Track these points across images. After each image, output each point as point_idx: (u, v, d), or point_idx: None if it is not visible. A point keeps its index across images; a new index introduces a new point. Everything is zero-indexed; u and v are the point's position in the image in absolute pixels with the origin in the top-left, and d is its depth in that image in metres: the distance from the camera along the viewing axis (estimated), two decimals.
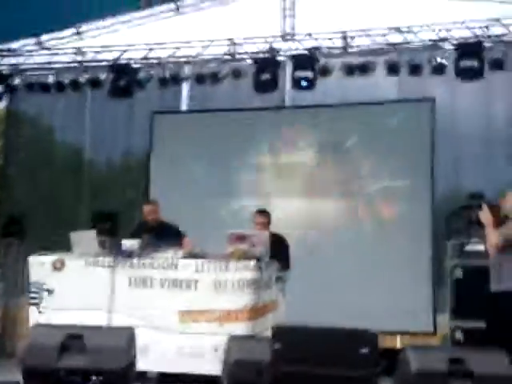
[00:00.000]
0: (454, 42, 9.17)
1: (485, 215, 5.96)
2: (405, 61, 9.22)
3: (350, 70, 9.37)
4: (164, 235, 6.89)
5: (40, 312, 6.41)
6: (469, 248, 7.70)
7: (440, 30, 9.30)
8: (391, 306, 8.46)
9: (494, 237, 5.83)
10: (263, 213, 7.25)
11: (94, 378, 4.91)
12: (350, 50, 9.72)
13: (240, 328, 5.87)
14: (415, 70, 9.16)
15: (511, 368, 4.77)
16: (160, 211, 7.59)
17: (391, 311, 8.37)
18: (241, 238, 6.37)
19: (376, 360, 4.64)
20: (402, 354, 4.91)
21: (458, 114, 9.41)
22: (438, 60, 9.09)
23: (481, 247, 7.58)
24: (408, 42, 9.47)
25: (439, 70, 9.09)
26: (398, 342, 8.56)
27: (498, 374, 4.64)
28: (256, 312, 5.98)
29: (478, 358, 4.79)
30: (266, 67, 9.51)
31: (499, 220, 5.96)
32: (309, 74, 9.36)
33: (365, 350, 4.54)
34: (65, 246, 6.65)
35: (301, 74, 9.41)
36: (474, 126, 9.34)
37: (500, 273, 5.88)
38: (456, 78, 8.95)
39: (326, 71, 9.43)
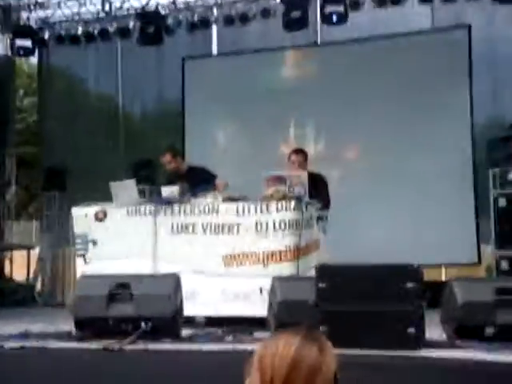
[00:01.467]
0: None
1: None
2: None
3: (382, 1, 9.13)
4: (196, 179, 6.87)
5: (86, 262, 6.52)
6: (511, 177, 7.59)
7: None
8: (435, 238, 8.40)
9: None
10: (299, 152, 7.18)
11: (143, 324, 5.01)
12: None
13: (284, 269, 5.90)
14: None
15: None
16: (181, 158, 7.58)
17: (435, 243, 8.32)
18: (279, 179, 6.36)
19: (421, 293, 4.64)
20: (448, 287, 4.91)
21: (495, 40, 9.15)
22: None
23: None
24: None
25: None
26: (444, 274, 8.55)
27: None
28: (299, 252, 5.99)
29: None
30: (296, 4, 9.32)
31: None
32: (339, 8, 9.15)
33: (410, 284, 4.54)
34: (106, 196, 6.71)
35: (331, 8, 9.20)
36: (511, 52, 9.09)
37: None
38: (492, 2, 8.67)
39: (356, 4, 9.21)
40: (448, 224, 8.49)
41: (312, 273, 5.08)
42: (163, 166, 7.48)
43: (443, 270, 8.61)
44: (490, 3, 8.68)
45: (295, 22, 9.25)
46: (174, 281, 5.31)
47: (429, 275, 7.78)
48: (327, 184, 7.07)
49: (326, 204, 6.79)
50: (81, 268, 6.50)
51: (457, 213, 8.59)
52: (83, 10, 10.34)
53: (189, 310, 5.60)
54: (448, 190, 8.62)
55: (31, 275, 10.25)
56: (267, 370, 1.70)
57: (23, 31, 10.39)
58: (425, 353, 4.41)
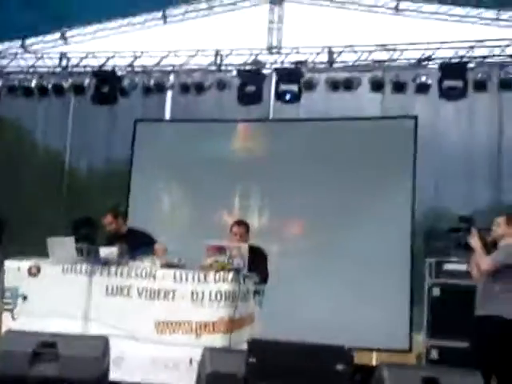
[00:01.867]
0: (439, 62, 9.24)
1: (475, 239, 6.03)
2: (389, 78, 9.28)
3: (335, 85, 9.41)
4: (136, 242, 6.81)
5: (14, 318, 6.33)
6: (447, 267, 7.72)
7: (425, 50, 9.38)
8: (368, 322, 8.44)
9: (484, 262, 5.89)
10: (241, 223, 7.21)
11: None
12: (335, 66, 9.77)
13: (216, 340, 5.83)
14: (399, 87, 9.22)
15: None
16: (123, 219, 7.53)
17: (368, 328, 8.36)
18: (219, 250, 6.34)
19: (351, 376, 4.62)
20: (377, 372, 4.91)
21: (440, 132, 9.47)
22: (423, 79, 9.16)
23: (459, 267, 7.62)
24: (393, 60, 9.55)
25: (423, 88, 9.17)
26: (374, 359, 8.56)
27: None
28: (233, 325, 5.94)
29: (451, 377, 4.80)
30: (251, 79, 9.53)
31: (487, 245, 6.03)
32: (293, 87, 9.39)
33: (340, 367, 4.53)
34: (43, 252, 6.59)
35: (285, 87, 9.44)
36: (455, 145, 9.41)
37: (486, 298, 5.94)
38: (440, 97, 9.01)
39: (310, 85, 9.46)
40: (382, 310, 8.57)
41: (244, 346, 5.03)
42: (104, 227, 7.41)
43: (374, 354, 8.63)
44: (437, 97, 9.02)
45: (249, 97, 9.44)
46: (103, 343, 5.19)
47: (361, 359, 7.82)
48: (267, 258, 7.08)
49: (264, 278, 6.79)
50: (8, 324, 6.30)
51: (392, 299, 8.68)
52: (39, 63, 10.36)
53: (116, 375, 5.46)
54: (386, 276, 8.73)
55: None
56: None
57: None
58: None
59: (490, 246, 6.10)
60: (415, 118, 9.19)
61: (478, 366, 5.74)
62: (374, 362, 8.33)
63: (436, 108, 9.40)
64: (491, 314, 5.85)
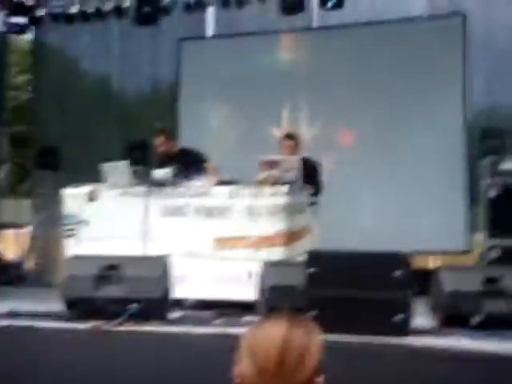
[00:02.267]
0: None
1: None
2: None
3: None
4: (188, 162, 6.85)
5: (76, 243, 6.51)
6: (503, 167, 7.59)
7: None
8: (425, 225, 8.44)
9: None
10: (291, 137, 7.17)
11: (132, 306, 5.01)
12: None
13: (275, 253, 5.90)
14: None
15: None
16: (174, 139, 7.53)
17: (427, 230, 8.35)
18: (272, 164, 6.36)
19: (410, 281, 4.65)
20: (436, 275, 4.94)
21: (491, 27, 9.11)
22: None
23: None
24: None
25: None
26: (435, 262, 8.56)
27: None
28: (290, 237, 6.01)
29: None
30: None
31: None
32: None
33: (398, 272, 4.56)
34: (99, 177, 6.69)
35: None
36: (508, 38, 9.07)
37: None
38: None
39: None
40: (441, 212, 8.52)
41: (303, 258, 5.09)
42: (156, 148, 7.45)
43: (435, 257, 8.63)
44: None
45: (292, 6, 9.23)
46: (164, 263, 5.32)
47: (422, 262, 7.84)
48: (321, 170, 7.07)
49: (318, 190, 6.80)
50: (71, 248, 6.49)
51: (449, 201, 8.60)
52: None
53: (178, 293, 5.60)
54: (441, 178, 8.64)
55: (22, 254, 10.25)
56: (259, 355, 1.71)
57: (18, 8, 10.32)
58: (411, 340, 4.44)
59: None
60: (464, 15, 8.86)
61: None
62: (435, 265, 8.34)
63: (486, 1, 9.03)
64: None
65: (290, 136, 7.19)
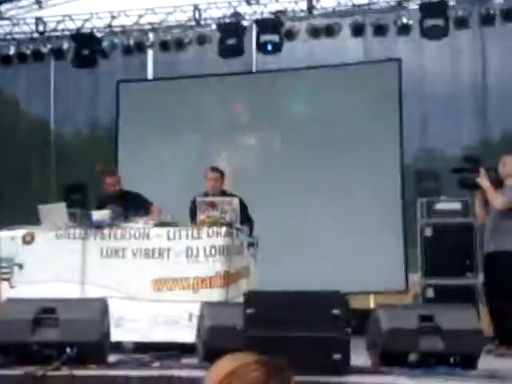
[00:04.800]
0: (419, 2, 9.17)
1: (483, 179, 6.14)
2: (370, 22, 9.21)
3: (316, 33, 9.34)
4: (130, 204, 6.85)
5: (11, 287, 6.38)
6: (438, 206, 7.77)
7: None
8: (364, 266, 8.52)
9: (498, 201, 6.10)
10: (215, 169, 7.23)
11: (68, 350, 4.91)
12: (314, 13, 9.67)
13: (214, 295, 5.89)
14: (380, 30, 9.17)
15: (478, 323, 4.88)
16: (122, 181, 7.53)
17: (364, 271, 8.44)
18: (211, 205, 6.38)
19: (347, 320, 4.70)
20: (373, 314, 5.00)
21: (424, 73, 9.42)
22: (404, 20, 9.11)
23: (450, 205, 7.70)
24: (373, 3, 9.45)
25: (404, 30, 9.13)
26: (372, 302, 8.67)
27: (466, 329, 4.75)
28: (229, 278, 6.01)
29: (447, 314, 4.89)
30: (231, 32, 9.45)
31: (495, 184, 6.18)
32: (274, 37, 9.33)
33: (335, 311, 4.60)
34: (35, 220, 6.60)
35: (266, 38, 9.37)
36: (440, 84, 9.38)
37: (498, 234, 6.15)
38: (421, 37, 8.98)
39: (291, 34, 9.39)
40: (378, 252, 8.64)
41: (242, 299, 5.09)
42: (104, 185, 7.40)
43: (372, 297, 8.74)
44: (419, 38, 8.99)
45: (231, 50, 9.37)
46: (102, 306, 5.25)
47: (358, 303, 7.93)
48: (246, 204, 7.03)
49: (252, 227, 6.84)
50: (6, 292, 6.34)
51: (387, 241, 8.74)
52: (16, 29, 10.22)
53: (116, 336, 5.53)
54: (377, 220, 8.77)
55: None
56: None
57: None
58: (349, 379, 4.46)
59: (498, 186, 6.24)
60: (399, 60, 9.13)
61: (492, 299, 6.00)
62: (372, 305, 8.44)
63: (419, 49, 9.34)
64: (504, 249, 6.02)
65: (213, 169, 7.24)
